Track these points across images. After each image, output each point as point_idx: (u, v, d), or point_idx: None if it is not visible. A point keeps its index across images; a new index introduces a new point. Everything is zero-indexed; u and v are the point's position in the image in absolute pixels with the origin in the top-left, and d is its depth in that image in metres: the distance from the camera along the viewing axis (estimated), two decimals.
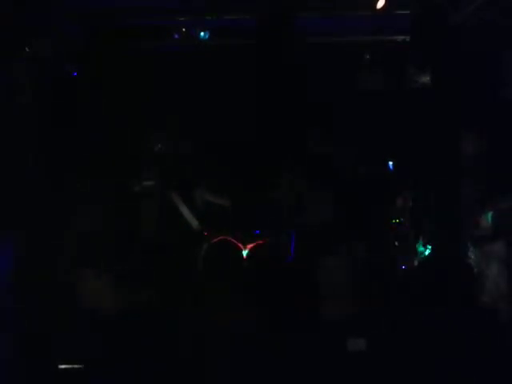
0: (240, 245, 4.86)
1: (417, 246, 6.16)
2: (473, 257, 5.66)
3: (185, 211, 6.48)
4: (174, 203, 6.47)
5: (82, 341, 4.70)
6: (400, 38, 7.18)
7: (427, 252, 6.06)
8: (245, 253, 5.30)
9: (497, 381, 4.60)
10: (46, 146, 6.27)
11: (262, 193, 6.76)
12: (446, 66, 6.87)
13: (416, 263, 5.90)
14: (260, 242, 5.18)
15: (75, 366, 4.63)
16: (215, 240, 5.25)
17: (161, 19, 6.96)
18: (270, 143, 7.09)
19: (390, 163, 7.08)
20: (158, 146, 6.88)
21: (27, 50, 6.17)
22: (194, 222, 6.50)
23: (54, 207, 5.99)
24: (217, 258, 4.87)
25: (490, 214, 5.82)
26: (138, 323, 4.75)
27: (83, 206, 6.08)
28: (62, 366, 4.62)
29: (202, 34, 7.04)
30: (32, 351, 4.85)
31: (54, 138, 6.38)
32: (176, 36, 7.09)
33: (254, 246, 5.02)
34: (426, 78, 7.11)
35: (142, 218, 6.47)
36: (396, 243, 6.35)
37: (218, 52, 7.14)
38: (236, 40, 7.10)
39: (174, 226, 6.44)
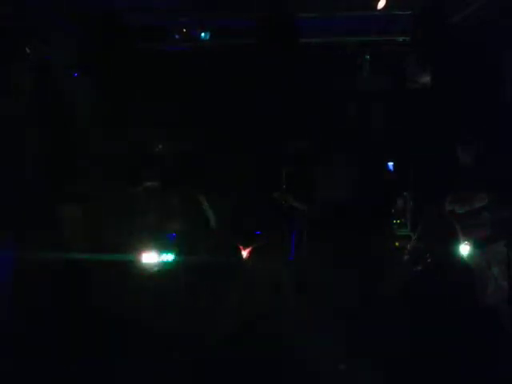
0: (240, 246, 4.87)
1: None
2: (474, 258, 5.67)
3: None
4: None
5: None
6: (400, 38, 7.17)
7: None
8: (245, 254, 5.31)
9: (497, 381, 4.61)
10: (46, 145, 6.27)
11: (262, 193, 6.76)
12: (446, 66, 6.87)
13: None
14: (261, 243, 5.19)
15: None
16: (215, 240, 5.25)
17: (161, 19, 6.96)
18: (270, 142, 7.09)
19: (391, 164, 7.08)
20: (158, 146, 6.88)
21: (27, 50, 6.16)
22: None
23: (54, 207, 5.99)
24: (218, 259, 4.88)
25: None
26: None
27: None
28: None
29: (202, 34, 7.04)
30: None
31: (54, 138, 6.38)
32: (177, 36, 7.09)
33: (254, 248, 5.03)
34: (426, 78, 7.11)
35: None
36: (397, 244, 6.35)
37: (218, 52, 7.14)
38: (236, 40, 7.10)
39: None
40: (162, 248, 6.00)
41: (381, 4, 6.55)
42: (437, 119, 6.82)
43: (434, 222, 4.95)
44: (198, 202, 6.39)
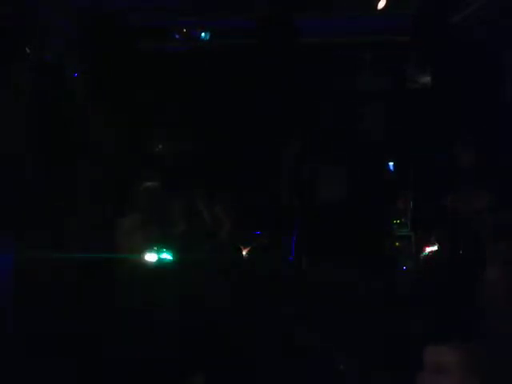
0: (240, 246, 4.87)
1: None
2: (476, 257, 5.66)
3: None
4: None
5: None
6: (400, 38, 7.17)
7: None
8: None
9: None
10: (46, 145, 6.27)
11: (262, 193, 6.77)
12: (446, 66, 6.88)
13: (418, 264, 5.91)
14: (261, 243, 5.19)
15: None
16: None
17: (161, 19, 6.97)
18: (270, 142, 7.10)
19: (391, 164, 7.09)
20: (158, 146, 6.88)
21: (27, 50, 6.16)
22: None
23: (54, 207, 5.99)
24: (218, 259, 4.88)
25: None
26: None
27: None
28: None
29: (202, 34, 7.05)
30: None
31: (54, 138, 6.38)
32: (177, 36, 7.10)
33: (253, 247, 5.03)
34: (426, 78, 7.11)
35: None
36: (397, 243, 6.36)
37: (218, 52, 7.15)
38: (236, 40, 7.10)
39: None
40: (163, 247, 6.00)
41: (381, 4, 6.55)
42: (437, 119, 6.82)
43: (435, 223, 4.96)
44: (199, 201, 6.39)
